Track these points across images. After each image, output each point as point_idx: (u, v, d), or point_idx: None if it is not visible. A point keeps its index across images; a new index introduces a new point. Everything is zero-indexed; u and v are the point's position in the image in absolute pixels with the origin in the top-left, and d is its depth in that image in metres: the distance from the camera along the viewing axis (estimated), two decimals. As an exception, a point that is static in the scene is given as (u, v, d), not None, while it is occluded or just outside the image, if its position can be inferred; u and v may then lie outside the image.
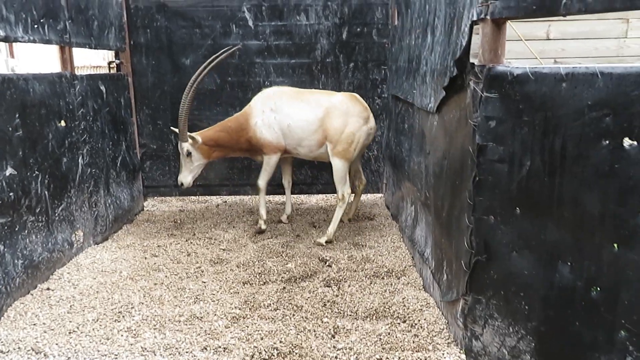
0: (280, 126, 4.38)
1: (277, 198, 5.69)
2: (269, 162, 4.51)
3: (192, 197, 5.69)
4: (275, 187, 5.38)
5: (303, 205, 5.51)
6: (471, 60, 2.43)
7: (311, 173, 5.53)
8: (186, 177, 4.48)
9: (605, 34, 5.32)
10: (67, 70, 3.87)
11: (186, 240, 4.37)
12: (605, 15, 5.24)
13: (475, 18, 2.30)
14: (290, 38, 5.17)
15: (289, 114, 4.37)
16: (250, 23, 5.10)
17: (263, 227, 4.57)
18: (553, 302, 1.97)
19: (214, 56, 4.34)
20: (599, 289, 1.73)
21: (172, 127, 4.61)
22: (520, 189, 2.09)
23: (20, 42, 3.24)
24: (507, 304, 2.19)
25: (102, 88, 4.40)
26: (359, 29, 5.17)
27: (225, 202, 5.59)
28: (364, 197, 5.55)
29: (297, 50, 5.19)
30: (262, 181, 4.58)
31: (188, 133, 4.33)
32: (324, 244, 4.28)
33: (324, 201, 5.66)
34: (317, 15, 5.11)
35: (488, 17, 2.15)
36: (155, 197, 5.65)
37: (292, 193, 5.14)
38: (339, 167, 4.30)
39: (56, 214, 3.61)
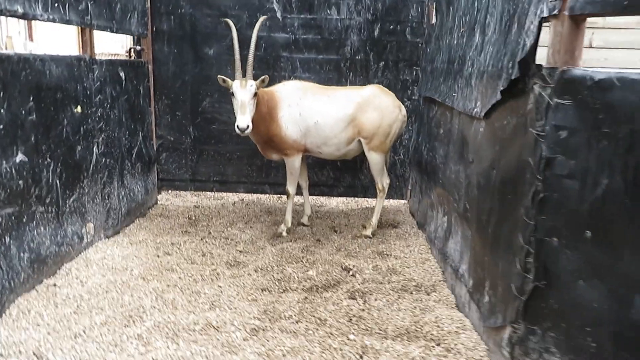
0: (306, 124, 4.14)
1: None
2: (294, 165, 4.28)
3: (208, 192, 5.46)
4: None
5: (323, 208, 5.26)
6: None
7: (333, 174, 5.29)
8: (250, 121, 3.80)
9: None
10: (87, 54, 3.65)
11: (201, 239, 4.15)
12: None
13: (545, 14, 2.04)
14: (319, 32, 4.92)
15: (316, 110, 4.14)
16: (279, 15, 4.87)
17: (284, 234, 4.34)
18: (627, 342, 1.72)
19: (258, 22, 4.04)
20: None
21: (219, 76, 3.92)
22: (593, 210, 1.83)
23: (39, 20, 3.03)
24: (569, 339, 1.93)
25: (122, 74, 4.19)
26: (391, 27, 4.91)
27: (242, 200, 5.36)
28: (386, 202, 5.31)
29: (325, 45, 4.95)
30: (291, 187, 4.36)
31: None
32: (371, 235, 4.35)
33: (345, 204, 5.41)
34: (348, 10, 4.87)
35: (565, 12, 1.89)
36: (170, 191, 5.44)
37: (311, 194, 4.91)
38: (377, 160, 4.26)
39: (67, 205, 3.40)
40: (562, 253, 1.95)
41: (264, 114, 4.05)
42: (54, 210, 3.24)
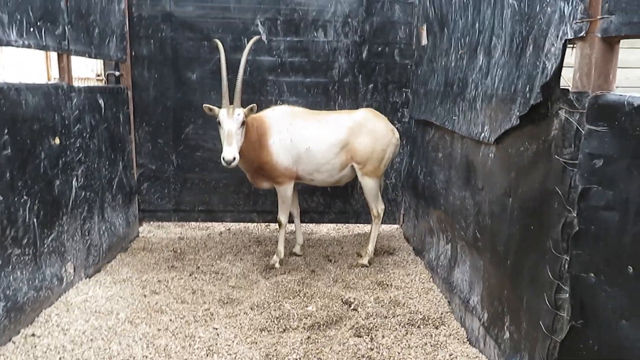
0: (297, 150, 3.97)
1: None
2: (286, 193, 4.08)
3: (193, 223, 5.20)
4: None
5: (314, 235, 5.07)
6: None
7: (323, 201, 5.11)
8: (237, 152, 3.54)
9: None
10: (64, 81, 3.41)
11: (190, 275, 3.89)
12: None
13: (570, 36, 1.94)
14: (306, 55, 4.79)
15: (308, 137, 3.97)
16: (264, 37, 4.72)
17: (277, 265, 4.12)
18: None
19: (248, 44, 3.87)
20: None
21: (205, 105, 3.65)
22: (635, 243, 1.70)
23: (13, 46, 2.79)
24: (613, 384, 1.79)
25: (101, 102, 3.95)
26: (380, 49, 4.82)
27: (229, 229, 5.12)
28: (382, 229, 5.15)
29: (313, 68, 4.82)
30: (283, 216, 4.15)
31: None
32: (368, 264, 4.19)
33: (336, 231, 5.23)
34: (335, 32, 4.76)
35: (597, 34, 1.78)
36: (152, 223, 5.16)
37: (302, 222, 4.72)
38: (371, 185, 4.11)
39: (45, 245, 3.12)
40: (601, 290, 1.82)
41: (254, 141, 3.86)
42: (31, 252, 2.96)
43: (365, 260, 4.21)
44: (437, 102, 3.81)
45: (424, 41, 4.28)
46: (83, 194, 3.63)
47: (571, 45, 1.99)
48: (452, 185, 3.40)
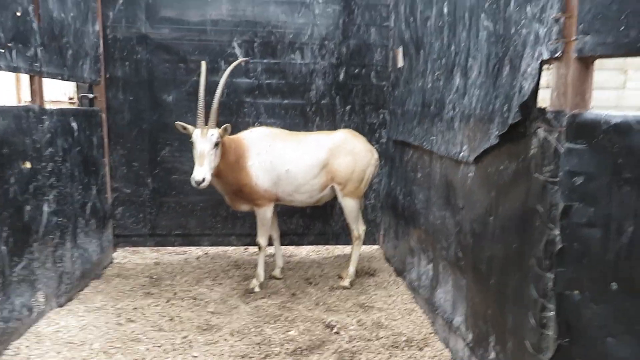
0: (277, 172, 3.94)
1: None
2: (265, 215, 4.04)
3: (169, 247, 5.08)
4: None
5: (293, 258, 5.00)
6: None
7: (302, 222, 5.07)
8: (208, 174, 3.51)
9: (604, 84, 5.23)
10: (36, 104, 3.33)
11: (167, 301, 3.78)
12: (604, 66, 5.17)
13: (546, 57, 1.98)
14: (283, 77, 4.80)
15: (287, 158, 3.95)
16: (246, 59, 4.71)
17: (257, 289, 4.04)
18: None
19: (231, 66, 3.94)
20: None
21: (177, 123, 3.66)
22: (618, 259, 1.71)
23: (-17, 68, 2.71)
24: (602, 402, 1.78)
25: (74, 125, 3.86)
26: (356, 70, 4.87)
27: (207, 254, 5.02)
28: (362, 250, 5.13)
29: (290, 90, 4.83)
30: (262, 238, 4.09)
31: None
32: (349, 286, 4.15)
33: (316, 253, 5.17)
34: (313, 55, 4.79)
35: (574, 54, 1.82)
36: (127, 248, 5.02)
37: (281, 244, 4.66)
38: (352, 206, 4.08)
39: (15, 274, 2.99)
40: (587, 307, 1.82)
41: (232, 163, 3.82)
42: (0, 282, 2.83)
43: (346, 282, 4.17)
44: (415, 123, 3.84)
45: (400, 63, 4.34)
46: (55, 219, 3.51)
47: (547, 66, 2.03)
48: (432, 204, 3.41)
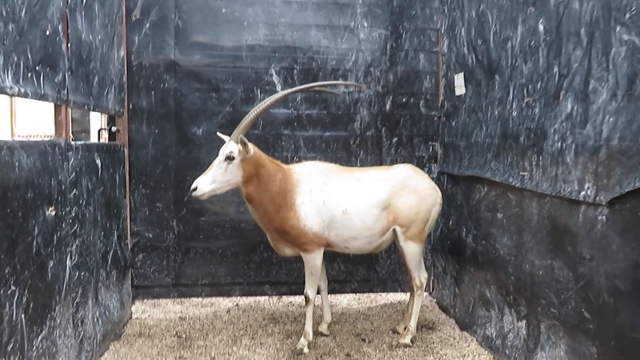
0: (331, 213, 3.43)
1: (294, 298, 4.59)
2: (315, 263, 3.50)
3: (194, 298, 4.48)
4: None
5: (335, 308, 4.43)
6: None
7: (345, 268, 4.53)
8: (206, 184, 3.17)
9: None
10: (62, 138, 2.81)
11: (207, 370, 3.19)
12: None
13: None
14: (325, 107, 4.35)
15: (343, 197, 3.45)
16: (279, 88, 4.26)
17: (306, 350, 3.47)
18: None
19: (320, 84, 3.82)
20: None
21: (219, 133, 3.55)
22: None
23: (7, 94, 2.20)
24: None
25: (98, 162, 3.34)
26: (404, 99, 4.44)
27: (237, 305, 4.42)
28: (400, 296, 4.62)
29: (332, 121, 4.37)
30: (311, 290, 3.54)
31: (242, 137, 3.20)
32: (411, 344, 3.61)
33: (358, 302, 4.61)
34: (357, 82, 4.36)
35: None
36: (146, 300, 4.41)
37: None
38: (415, 251, 3.59)
39: (34, 348, 2.40)
40: None
41: (274, 194, 3.33)
42: (17, 359, 2.24)
43: (407, 339, 3.62)
44: (490, 156, 3.38)
45: (460, 91, 3.92)
46: (77, 274, 2.94)
47: None
48: (528, 251, 2.91)
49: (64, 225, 2.74)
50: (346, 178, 3.54)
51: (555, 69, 2.65)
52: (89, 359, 3.10)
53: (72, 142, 2.94)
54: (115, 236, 3.72)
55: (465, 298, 3.85)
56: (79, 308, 2.97)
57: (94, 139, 10.46)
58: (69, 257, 2.82)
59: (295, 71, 4.28)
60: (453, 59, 4.07)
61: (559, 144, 2.60)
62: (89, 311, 3.13)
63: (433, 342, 3.68)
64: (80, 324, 2.99)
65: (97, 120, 11.12)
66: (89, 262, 3.15)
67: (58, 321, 2.66)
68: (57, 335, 2.65)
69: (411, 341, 3.62)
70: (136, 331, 3.82)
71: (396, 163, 4.43)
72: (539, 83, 2.81)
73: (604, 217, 2.27)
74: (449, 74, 4.18)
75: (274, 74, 4.26)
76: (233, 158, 3.21)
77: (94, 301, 3.23)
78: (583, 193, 2.38)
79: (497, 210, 3.31)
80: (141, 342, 3.63)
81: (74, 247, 2.91)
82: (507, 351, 3.16)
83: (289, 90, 3.44)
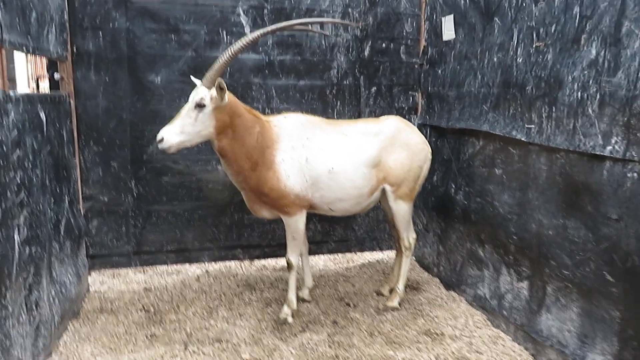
0: (316, 172, 3.10)
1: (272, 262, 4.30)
2: (297, 226, 3.19)
3: (159, 266, 4.08)
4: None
5: (312, 269, 4.18)
6: None
7: (321, 228, 4.27)
8: (173, 135, 2.77)
9: None
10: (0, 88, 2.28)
11: (184, 348, 2.87)
12: None
13: None
14: (299, 52, 3.93)
15: (329, 154, 3.13)
16: (247, 30, 3.78)
17: (289, 319, 3.22)
18: None
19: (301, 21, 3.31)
20: None
21: (193, 78, 3.05)
22: None
23: None
24: None
25: (42, 116, 2.81)
26: (384, 45, 4.08)
27: (207, 272, 4.07)
28: (380, 255, 4.45)
29: (307, 68, 3.96)
30: (293, 255, 3.24)
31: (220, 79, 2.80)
32: (399, 306, 3.43)
33: (335, 262, 4.38)
34: (334, 25, 3.95)
35: None
36: (102, 270, 3.97)
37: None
38: (405, 211, 3.36)
39: (-17, 345, 1.99)
40: None
41: (250, 148, 2.96)
42: (-36, 362, 1.83)
43: (395, 302, 3.45)
44: (487, 107, 3.14)
45: (449, 36, 3.61)
46: (28, 250, 2.49)
47: None
48: (533, 209, 2.74)
49: (8, 194, 2.26)
50: (331, 132, 3.20)
51: (576, 10, 2.39)
52: (47, 346, 2.70)
53: (11, 93, 2.41)
54: (67, 202, 3.24)
55: (452, 257, 3.70)
56: (32, 290, 2.54)
57: (24, 89, 9.45)
58: (17, 232, 2.36)
59: (265, 11, 3.80)
60: (440, 0, 3.73)
61: (578, 94, 2.37)
62: (43, 292, 2.70)
63: (421, 304, 3.53)
64: (34, 307, 2.57)
65: (22, 67, 9.99)
66: (40, 235, 2.69)
67: (10, 309, 2.23)
68: (10, 325, 2.24)
69: (399, 304, 3.45)
70: (96, 306, 3.42)
71: (374, 115, 4.13)
72: (553, 26, 2.55)
73: (635, 174, 2.09)
74: (434, 16, 3.85)
75: (242, 13, 3.76)
76: (204, 105, 2.79)
77: (48, 279, 2.79)
78: (610, 148, 2.19)
79: (495, 166, 3.10)
80: (104, 319, 3.25)
81: (22, 219, 2.44)
82: (504, 312, 3.04)
83: (273, 27, 2.96)
